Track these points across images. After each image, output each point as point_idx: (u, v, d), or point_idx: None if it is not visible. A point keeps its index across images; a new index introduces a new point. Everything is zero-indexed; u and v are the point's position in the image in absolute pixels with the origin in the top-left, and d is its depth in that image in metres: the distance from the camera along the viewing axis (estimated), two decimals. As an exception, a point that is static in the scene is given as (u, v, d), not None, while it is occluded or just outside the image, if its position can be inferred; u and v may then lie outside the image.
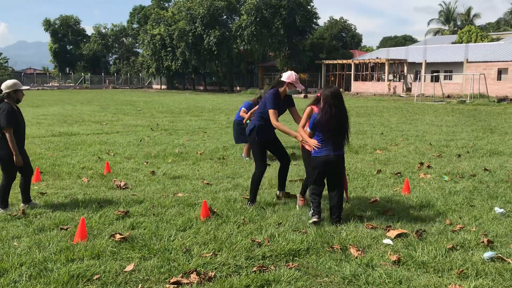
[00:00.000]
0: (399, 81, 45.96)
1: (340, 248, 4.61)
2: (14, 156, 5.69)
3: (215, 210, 5.85)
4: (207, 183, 7.52)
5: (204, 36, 52.91)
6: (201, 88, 64.12)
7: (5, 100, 5.80)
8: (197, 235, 4.98)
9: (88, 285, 3.81)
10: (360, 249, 4.59)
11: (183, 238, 4.89)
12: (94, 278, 3.93)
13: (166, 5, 73.59)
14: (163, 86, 71.27)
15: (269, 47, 51.99)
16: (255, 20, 49.03)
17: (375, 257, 4.39)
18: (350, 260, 4.36)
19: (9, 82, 5.89)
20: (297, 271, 4.13)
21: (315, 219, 5.34)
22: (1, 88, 5.82)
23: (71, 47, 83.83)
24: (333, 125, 5.25)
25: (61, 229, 5.16)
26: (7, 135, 5.64)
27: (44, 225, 5.27)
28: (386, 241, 4.83)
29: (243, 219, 5.51)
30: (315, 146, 5.36)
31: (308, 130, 5.49)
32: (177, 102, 32.69)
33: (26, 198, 6.05)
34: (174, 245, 4.67)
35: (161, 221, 5.46)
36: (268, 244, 4.72)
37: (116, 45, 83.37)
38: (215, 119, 19.54)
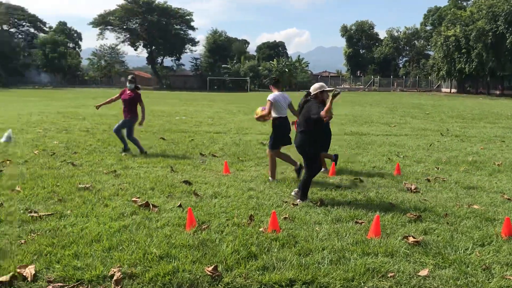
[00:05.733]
0: None
1: None
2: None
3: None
4: (508, 198, 6.76)
5: (507, 35, 47.49)
6: (497, 92, 57.90)
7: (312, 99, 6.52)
8: (498, 254, 4.54)
9: (382, 281, 3.93)
10: None
11: (481, 253, 4.54)
12: (389, 275, 4.02)
13: (464, 4, 69.13)
14: (453, 90, 67.34)
15: None
16: None
17: None
18: None
19: (316, 85, 6.62)
20: None
21: None
22: (310, 91, 6.58)
23: (363, 51, 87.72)
24: None
25: (356, 222, 5.47)
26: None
27: (341, 216, 5.69)
28: None
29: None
30: None
31: None
32: (469, 107, 30.41)
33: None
34: (471, 259, 4.37)
35: (455, 232, 5.19)
36: None
37: (407, 48, 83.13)
38: (516, 128, 17.36)
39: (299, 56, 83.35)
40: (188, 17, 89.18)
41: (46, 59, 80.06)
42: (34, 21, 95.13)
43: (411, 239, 4.82)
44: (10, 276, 3.82)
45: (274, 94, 7.70)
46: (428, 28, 78.19)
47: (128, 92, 10.21)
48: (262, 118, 7.83)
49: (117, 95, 10.42)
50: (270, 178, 7.75)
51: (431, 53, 73.02)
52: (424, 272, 4.07)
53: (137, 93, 10.25)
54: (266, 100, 7.69)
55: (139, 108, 10.26)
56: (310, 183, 6.59)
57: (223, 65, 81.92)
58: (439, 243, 4.80)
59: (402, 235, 5.00)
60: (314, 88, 6.54)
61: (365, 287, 3.83)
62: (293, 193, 6.63)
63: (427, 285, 3.90)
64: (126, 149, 10.26)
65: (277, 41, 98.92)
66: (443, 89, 71.51)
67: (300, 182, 6.55)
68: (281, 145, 7.84)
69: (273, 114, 7.68)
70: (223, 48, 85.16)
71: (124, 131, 10.23)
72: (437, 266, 4.25)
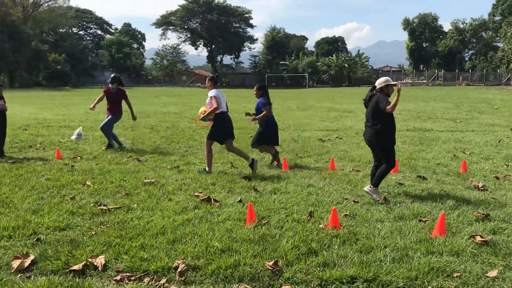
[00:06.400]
0: None
1: None
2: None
3: None
4: None
5: None
6: None
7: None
8: None
9: (447, 281, 3.81)
10: None
11: (556, 255, 4.28)
12: (454, 275, 3.89)
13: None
14: (525, 83, 63.50)
15: None
16: None
17: None
18: None
19: (382, 79, 6.55)
20: None
21: None
22: (375, 85, 6.51)
23: (426, 44, 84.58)
24: None
25: (420, 220, 5.32)
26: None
27: (404, 214, 5.55)
28: None
29: None
30: None
31: None
32: (544, 101, 28.61)
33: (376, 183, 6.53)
34: (546, 261, 4.14)
35: (528, 232, 4.93)
36: None
37: (474, 40, 79.28)
38: None
39: (358, 50, 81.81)
40: (247, 15, 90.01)
41: (112, 59, 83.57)
42: (101, 23, 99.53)
43: (478, 238, 4.63)
44: (83, 265, 4.05)
45: (214, 90, 7.91)
46: (497, 18, 74.10)
47: (112, 90, 10.63)
48: (212, 113, 7.80)
49: (102, 93, 10.80)
50: (206, 168, 7.95)
51: (500, 45, 69.26)
52: (493, 273, 3.90)
53: (121, 91, 10.66)
54: (218, 95, 7.87)
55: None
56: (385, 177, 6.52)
57: (281, 62, 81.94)
58: (509, 243, 4.58)
59: (469, 234, 4.81)
60: (380, 82, 6.49)
61: (429, 286, 3.73)
62: (366, 189, 6.50)
63: (496, 287, 3.74)
64: (112, 145, 10.78)
65: (336, 36, 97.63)
66: (514, 83, 67.61)
67: (379, 171, 6.42)
68: (217, 139, 8.03)
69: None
70: (281, 45, 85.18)
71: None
72: (508, 268, 4.06)
